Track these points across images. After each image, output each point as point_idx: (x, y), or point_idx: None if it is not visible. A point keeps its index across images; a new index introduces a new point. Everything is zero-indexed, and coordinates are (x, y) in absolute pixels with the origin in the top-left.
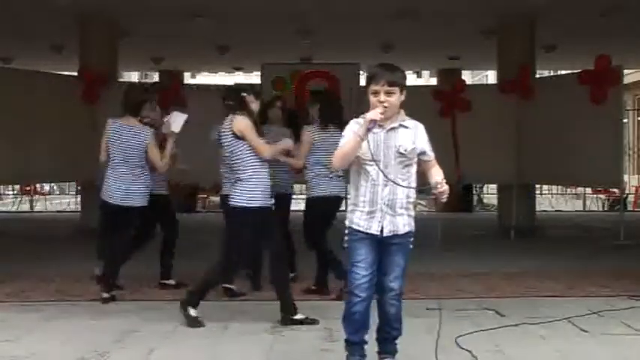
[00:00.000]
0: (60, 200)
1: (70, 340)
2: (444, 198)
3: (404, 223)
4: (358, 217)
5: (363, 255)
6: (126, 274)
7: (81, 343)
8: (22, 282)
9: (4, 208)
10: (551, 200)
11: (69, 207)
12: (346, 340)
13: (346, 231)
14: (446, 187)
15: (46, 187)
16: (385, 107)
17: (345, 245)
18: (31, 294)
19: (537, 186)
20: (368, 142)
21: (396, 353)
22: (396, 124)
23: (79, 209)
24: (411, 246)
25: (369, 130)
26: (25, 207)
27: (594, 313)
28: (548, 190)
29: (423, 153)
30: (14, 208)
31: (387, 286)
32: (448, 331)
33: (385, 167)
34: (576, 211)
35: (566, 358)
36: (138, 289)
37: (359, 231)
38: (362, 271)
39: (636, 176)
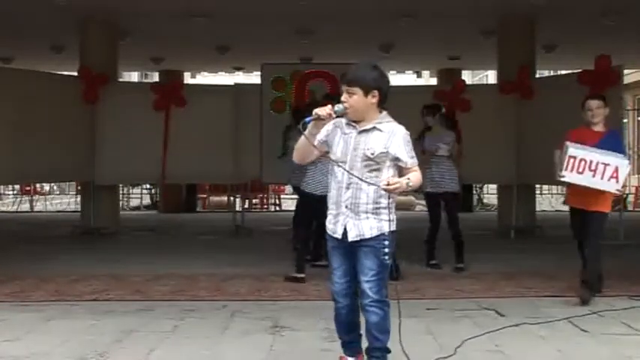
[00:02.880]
0: (60, 200)
1: (70, 340)
2: (395, 192)
3: (371, 227)
4: (328, 221)
5: (338, 263)
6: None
7: (81, 343)
8: (22, 282)
9: (4, 208)
10: (551, 200)
11: (69, 207)
12: (340, 340)
13: (326, 236)
14: (394, 186)
15: (46, 187)
16: (346, 107)
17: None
18: (31, 294)
19: (537, 186)
20: (337, 143)
21: None
22: (368, 127)
23: (79, 209)
24: (387, 250)
25: (304, 123)
26: (25, 207)
27: (594, 313)
28: (548, 190)
29: (397, 159)
30: (14, 208)
31: (362, 291)
32: (448, 331)
33: (350, 169)
34: None
35: (566, 358)
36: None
37: (330, 236)
38: (338, 279)
39: (636, 176)
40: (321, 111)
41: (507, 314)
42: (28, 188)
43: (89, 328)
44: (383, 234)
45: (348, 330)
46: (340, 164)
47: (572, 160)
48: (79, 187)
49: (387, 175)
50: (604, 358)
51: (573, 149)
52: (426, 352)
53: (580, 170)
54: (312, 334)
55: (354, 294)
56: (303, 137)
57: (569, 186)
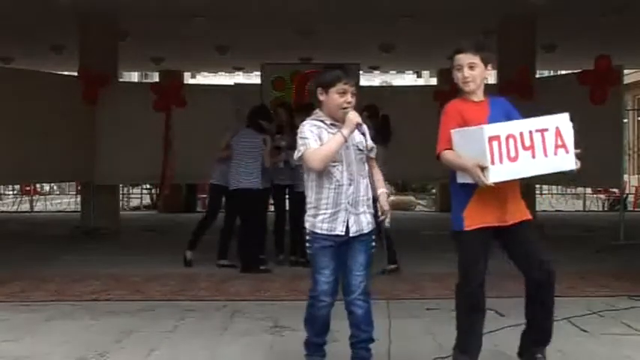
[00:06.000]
0: (60, 200)
1: (70, 340)
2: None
3: (367, 222)
4: (321, 221)
5: (327, 262)
6: None
7: (81, 343)
8: (22, 282)
9: (4, 208)
10: (551, 200)
11: (69, 207)
12: (308, 342)
13: (308, 237)
14: (387, 208)
15: (46, 187)
16: (349, 108)
17: (309, 252)
18: (31, 294)
19: (537, 186)
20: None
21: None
22: None
23: (79, 209)
24: (373, 243)
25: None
26: (25, 207)
27: (594, 313)
28: (548, 190)
29: (371, 150)
30: (14, 208)
31: (352, 286)
32: (448, 331)
33: (348, 166)
34: (576, 211)
35: (566, 358)
36: None
37: (323, 235)
38: (327, 278)
39: (636, 176)
40: (359, 118)
41: (507, 314)
42: (28, 188)
43: (89, 328)
44: (374, 229)
45: (325, 330)
46: (339, 162)
47: (495, 145)
48: (79, 187)
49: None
50: (604, 358)
51: (491, 129)
52: (426, 352)
53: (512, 155)
54: None
55: (337, 290)
56: (338, 143)
57: (473, 198)
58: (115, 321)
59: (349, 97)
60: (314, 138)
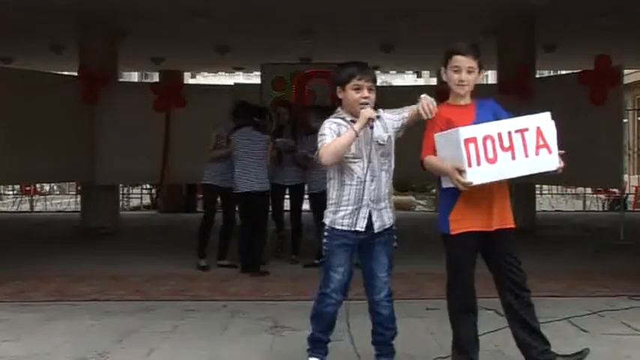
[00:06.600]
0: (60, 200)
1: (70, 340)
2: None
3: (389, 217)
4: (342, 217)
5: (343, 260)
6: None
7: (81, 343)
8: (22, 282)
9: (4, 208)
10: (551, 200)
11: (69, 207)
12: (313, 338)
13: (326, 233)
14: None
15: (46, 187)
16: (367, 104)
17: (326, 248)
18: (31, 294)
19: (537, 186)
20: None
21: (394, 354)
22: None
23: (79, 209)
24: (395, 244)
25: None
26: (25, 207)
27: (594, 313)
28: (548, 190)
29: (400, 127)
30: (14, 208)
31: (378, 287)
32: (448, 331)
33: (370, 162)
34: (576, 211)
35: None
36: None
37: (343, 232)
38: (340, 276)
39: (636, 176)
40: (372, 114)
41: None
42: (28, 188)
43: (89, 328)
44: (394, 225)
45: (331, 327)
46: (360, 159)
47: (472, 147)
48: (79, 187)
49: (393, 157)
50: (604, 358)
51: (466, 131)
52: (426, 352)
53: (490, 157)
54: None
55: (348, 289)
56: (348, 138)
57: (459, 202)
58: (115, 321)
59: (365, 92)
60: (331, 135)
